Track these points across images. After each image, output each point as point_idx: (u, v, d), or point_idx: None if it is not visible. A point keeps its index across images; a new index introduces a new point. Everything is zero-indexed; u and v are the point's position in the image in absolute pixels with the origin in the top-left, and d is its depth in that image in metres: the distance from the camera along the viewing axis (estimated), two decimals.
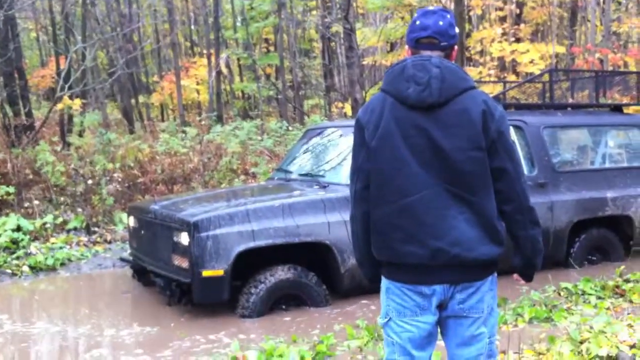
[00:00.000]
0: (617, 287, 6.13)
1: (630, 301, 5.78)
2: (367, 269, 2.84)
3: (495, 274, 2.70)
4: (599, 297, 5.89)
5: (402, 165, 2.58)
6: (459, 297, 2.62)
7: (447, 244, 2.55)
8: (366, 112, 2.70)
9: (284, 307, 6.02)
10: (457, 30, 2.71)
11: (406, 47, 2.76)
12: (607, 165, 7.84)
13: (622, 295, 5.97)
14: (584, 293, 6.03)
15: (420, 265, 2.59)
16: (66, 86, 13.33)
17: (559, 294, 6.12)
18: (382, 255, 2.68)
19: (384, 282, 2.73)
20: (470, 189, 2.57)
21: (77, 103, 14.70)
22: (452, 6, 19.83)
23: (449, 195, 2.56)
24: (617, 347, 4.24)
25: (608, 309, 5.42)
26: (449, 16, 2.70)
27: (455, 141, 2.55)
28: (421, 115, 2.57)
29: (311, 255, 6.16)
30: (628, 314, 5.26)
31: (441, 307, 2.65)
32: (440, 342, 2.77)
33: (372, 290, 6.29)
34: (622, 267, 6.63)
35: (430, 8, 2.72)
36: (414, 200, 2.57)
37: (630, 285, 6.17)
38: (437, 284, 2.60)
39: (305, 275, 5.99)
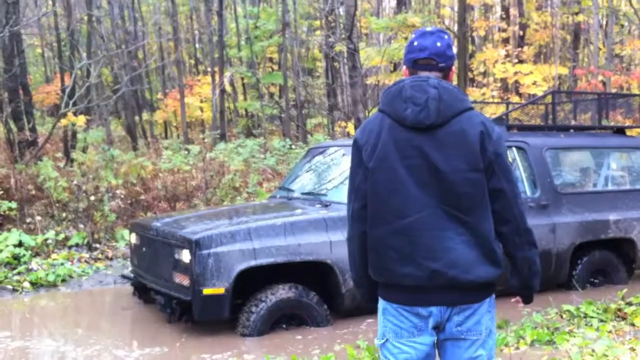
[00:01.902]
0: (620, 310, 6.10)
1: (633, 324, 5.75)
2: (363, 289, 2.83)
3: (493, 296, 2.69)
4: (601, 320, 5.86)
5: (400, 185, 2.57)
6: (456, 319, 2.60)
7: (444, 265, 2.54)
8: (364, 133, 2.69)
9: (284, 326, 6.00)
10: (454, 50, 2.72)
11: (404, 67, 2.76)
12: (610, 187, 7.84)
13: (624, 319, 5.94)
14: (586, 316, 6.01)
15: (417, 287, 2.57)
16: (70, 102, 13.39)
17: (561, 317, 6.10)
18: (379, 276, 2.67)
19: (381, 303, 2.72)
20: (467, 210, 2.56)
21: (81, 119, 14.76)
22: (455, 27, 19.94)
23: (446, 216, 2.56)
24: None
25: (610, 332, 5.40)
26: (446, 37, 2.71)
27: (453, 162, 2.55)
28: (419, 136, 2.57)
29: (312, 274, 6.14)
30: (630, 337, 5.24)
31: (438, 329, 2.63)
32: None
33: (374, 310, 6.27)
34: (625, 290, 6.60)
35: (428, 29, 2.74)
36: (412, 222, 2.56)
37: (632, 308, 6.14)
38: (434, 306, 2.58)
39: (307, 295, 5.97)
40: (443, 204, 2.55)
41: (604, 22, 20.49)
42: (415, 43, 2.69)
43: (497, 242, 2.63)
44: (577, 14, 21.40)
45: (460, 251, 2.54)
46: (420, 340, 2.61)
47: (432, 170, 2.55)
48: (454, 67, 2.74)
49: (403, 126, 2.58)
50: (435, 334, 2.63)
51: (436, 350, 2.68)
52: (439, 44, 2.67)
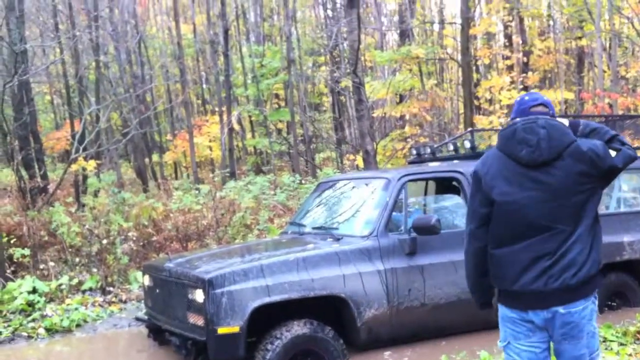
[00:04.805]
0: (639, 332, 6.02)
1: None
2: (477, 295, 3.47)
3: (596, 300, 3.23)
4: (621, 344, 5.78)
5: (522, 212, 3.14)
6: (562, 331, 3.15)
7: (559, 270, 3.10)
8: (484, 166, 3.32)
9: None
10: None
11: (517, 120, 3.29)
12: (622, 209, 7.79)
13: None
14: (605, 340, 5.93)
15: (534, 292, 3.13)
16: (81, 148, 13.50)
17: None
18: (503, 284, 3.24)
19: (500, 311, 3.32)
20: (579, 225, 3.13)
21: (91, 164, 14.87)
22: (458, 57, 20.06)
23: (562, 233, 3.12)
24: None
25: (630, 355, 5.33)
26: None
27: (567, 186, 3.12)
28: (535, 170, 3.15)
29: (327, 308, 6.10)
30: None
31: (549, 330, 3.18)
32: None
33: (390, 343, 6.22)
34: None
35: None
36: (533, 241, 3.13)
37: None
38: (547, 308, 3.13)
39: (322, 330, 5.91)
40: (560, 224, 3.12)
41: (608, 45, 20.57)
42: (527, 97, 3.35)
43: (600, 247, 3.25)
44: (580, 38, 21.49)
45: (573, 259, 3.10)
46: (535, 340, 3.21)
47: (549, 196, 3.12)
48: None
49: (519, 164, 3.17)
50: (547, 334, 3.20)
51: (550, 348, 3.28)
52: (545, 97, 3.36)
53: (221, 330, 5.55)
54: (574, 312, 3.14)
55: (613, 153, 3.21)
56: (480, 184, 3.28)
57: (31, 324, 8.29)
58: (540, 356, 3.24)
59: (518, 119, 3.24)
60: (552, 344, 3.27)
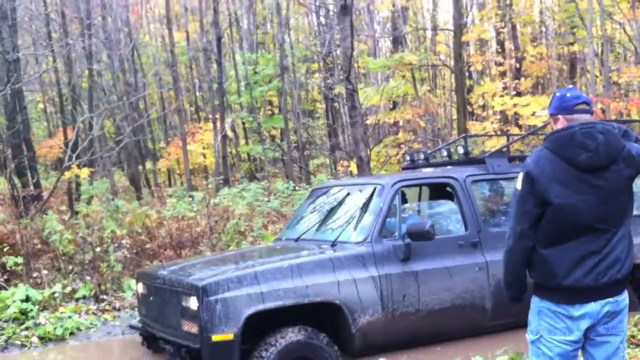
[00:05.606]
0: (633, 337, 6.03)
1: None
2: (514, 290, 3.50)
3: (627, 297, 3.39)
4: None
5: (575, 214, 3.21)
6: (605, 321, 3.27)
7: (605, 267, 3.24)
8: (537, 167, 3.30)
9: None
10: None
11: (559, 117, 3.36)
12: None
13: (638, 346, 5.86)
14: None
15: (585, 288, 3.23)
16: (74, 156, 13.47)
17: None
18: (551, 281, 3.29)
19: (537, 305, 3.38)
20: (622, 225, 3.30)
21: (84, 172, 14.83)
22: (452, 63, 20.12)
23: (608, 233, 3.25)
24: None
25: None
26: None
27: (619, 190, 3.25)
28: (591, 174, 3.21)
29: (321, 315, 6.09)
30: None
31: (588, 330, 3.27)
32: None
33: (384, 349, 6.21)
34: (637, 316, 6.53)
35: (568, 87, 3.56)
36: (581, 241, 3.24)
37: None
38: (597, 300, 3.24)
39: (316, 336, 5.89)
40: (608, 225, 3.25)
41: (600, 51, 20.65)
42: (568, 94, 3.38)
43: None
44: (572, 44, 21.57)
45: (617, 256, 3.26)
46: (571, 338, 3.28)
47: (602, 200, 3.21)
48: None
49: (576, 168, 3.21)
50: (582, 337, 3.30)
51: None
52: (584, 94, 3.39)
53: (215, 338, 5.53)
54: (620, 300, 3.30)
55: None
56: (533, 185, 3.28)
57: (24, 333, 8.24)
58: (571, 354, 3.32)
59: (575, 125, 3.25)
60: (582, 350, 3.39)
